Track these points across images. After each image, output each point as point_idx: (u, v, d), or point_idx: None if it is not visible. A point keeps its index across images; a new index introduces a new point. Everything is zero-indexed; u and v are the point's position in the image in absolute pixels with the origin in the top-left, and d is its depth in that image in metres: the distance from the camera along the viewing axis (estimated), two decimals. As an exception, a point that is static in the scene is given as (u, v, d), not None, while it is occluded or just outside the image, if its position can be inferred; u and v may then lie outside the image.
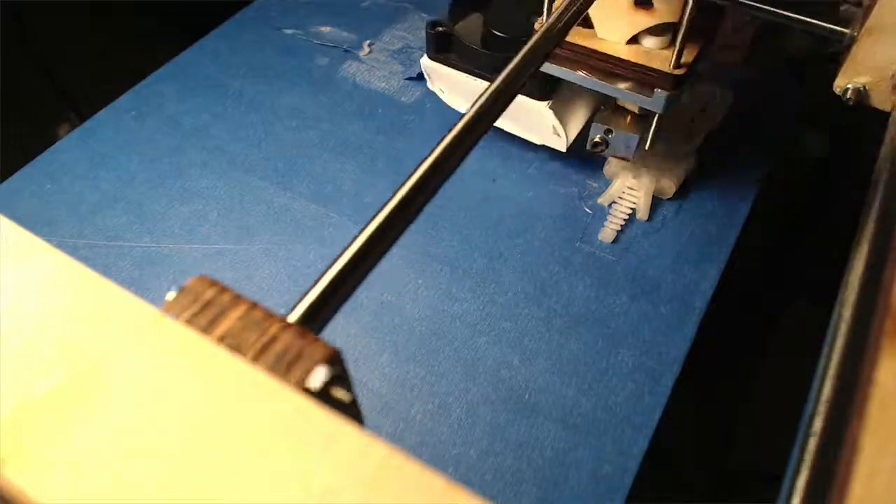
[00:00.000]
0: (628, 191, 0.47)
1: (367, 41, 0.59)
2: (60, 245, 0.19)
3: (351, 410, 0.18)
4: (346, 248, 0.22)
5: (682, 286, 0.43)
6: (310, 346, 0.18)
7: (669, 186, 0.47)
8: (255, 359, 0.17)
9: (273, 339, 0.18)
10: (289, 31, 0.61)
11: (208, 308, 0.18)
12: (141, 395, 0.16)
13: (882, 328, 0.19)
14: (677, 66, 0.37)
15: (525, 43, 0.28)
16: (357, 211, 0.47)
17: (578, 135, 0.46)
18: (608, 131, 0.43)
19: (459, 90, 0.49)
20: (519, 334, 0.41)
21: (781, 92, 0.54)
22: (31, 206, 0.48)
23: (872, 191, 0.25)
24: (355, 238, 0.22)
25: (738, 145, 0.51)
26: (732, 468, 0.51)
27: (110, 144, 0.52)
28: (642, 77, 0.38)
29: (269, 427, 0.15)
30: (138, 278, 0.44)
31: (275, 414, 0.16)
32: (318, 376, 0.17)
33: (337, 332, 0.41)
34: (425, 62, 0.48)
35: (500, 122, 0.49)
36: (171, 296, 0.18)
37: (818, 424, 0.18)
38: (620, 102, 0.42)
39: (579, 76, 0.39)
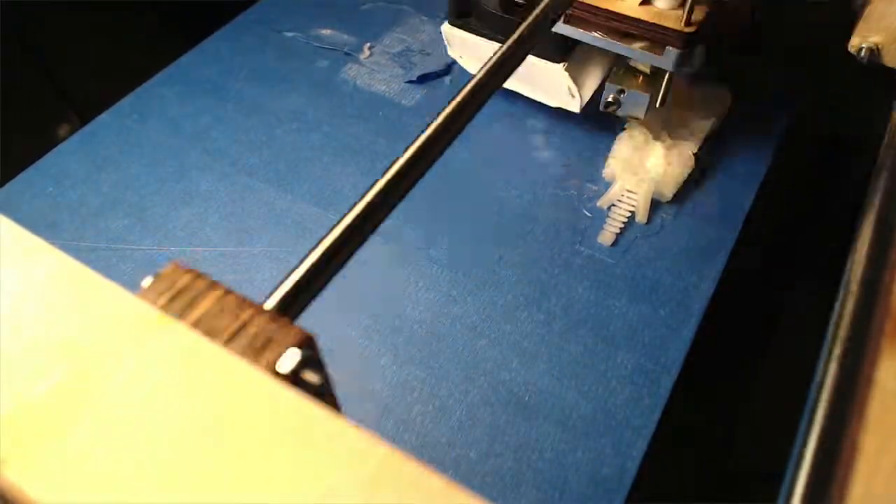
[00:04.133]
0: (627, 194, 0.47)
1: (368, 44, 0.60)
2: (62, 248, 0.19)
3: (324, 394, 0.18)
4: (326, 234, 0.21)
5: (680, 288, 0.43)
6: (281, 330, 0.18)
7: (668, 189, 0.47)
8: (228, 343, 0.17)
9: (245, 324, 0.18)
10: (289, 34, 0.61)
11: (183, 294, 0.18)
12: (140, 395, 0.16)
13: (882, 329, 0.19)
14: (688, 23, 0.39)
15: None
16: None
17: (592, 96, 0.48)
18: (620, 91, 0.45)
19: (479, 56, 0.50)
20: (519, 337, 0.41)
21: (781, 92, 0.55)
22: (32, 209, 0.48)
23: (872, 191, 0.25)
24: (336, 224, 0.22)
25: (738, 146, 0.51)
26: (732, 468, 0.51)
27: (112, 147, 0.52)
28: (655, 36, 0.40)
29: (269, 427, 0.15)
30: (140, 281, 0.44)
31: (276, 414, 0.16)
32: (288, 360, 0.17)
33: (336, 334, 0.41)
34: (445, 28, 0.49)
35: (516, 85, 0.50)
36: (146, 282, 0.18)
37: (818, 424, 0.18)
38: (633, 63, 0.44)
39: (594, 37, 0.42)
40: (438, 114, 0.24)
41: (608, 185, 0.48)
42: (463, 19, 0.47)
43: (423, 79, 0.57)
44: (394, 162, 0.22)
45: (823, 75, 0.53)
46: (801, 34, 0.53)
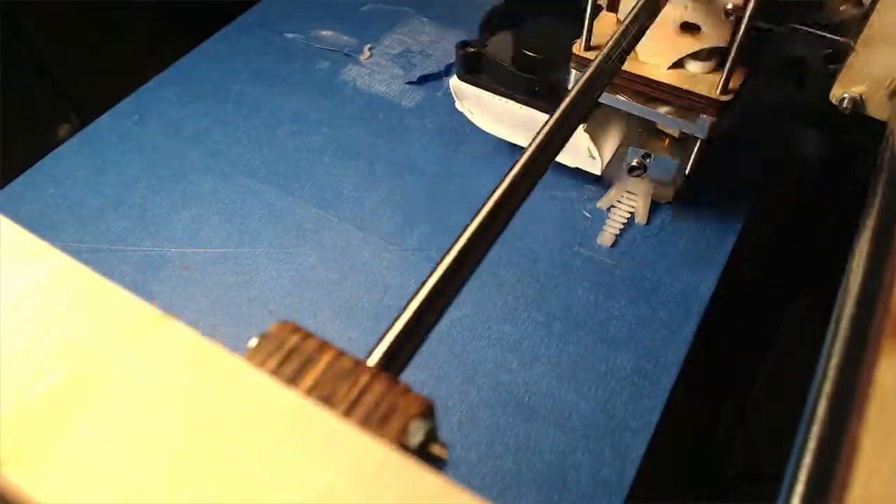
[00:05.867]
0: (627, 195, 0.47)
1: (368, 45, 0.60)
2: (63, 249, 0.19)
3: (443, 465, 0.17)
4: (419, 288, 0.21)
5: (680, 290, 0.43)
6: (402, 398, 0.17)
7: (668, 190, 0.47)
8: (347, 413, 0.16)
9: (363, 391, 0.17)
10: (290, 36, 0.61)
11: (293, 357, 0.17)
12: (140, 395, 0.16)
13: (882, 328, 0.19)
14: (724, 91, 0.36)
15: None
16: (358, 215, 0.47)
17: (612, 157, 0.45)
18: (646, 155, 0.42)
19: (489, 111, 0.48)
20: (518, 338, 0.41)
21: (781, 92, 0.55)
22: (33, 210, 0.48)
23: (872, 191, 0.25)
24: (427, 278, 0.21)
25: (737, 147, 0.51)
26: (732, 468, 0.51)
27: (112, 149, 0.52)
28: (686, 102, 0.37)
29: (269, 427, 0.15)
30: (140, 282, 0.44)
31: (275, 413, 0.16)
32: (418, 434, 0.16)
33: (337, 336, 0.41)
34: (454, 83, 0.47)
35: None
36: (252, 343, 0.18)
37: (818, 424, 0.18)
38: (660, 126, 0.42)
39: (620, 100, 0.39)
40: (491, 195, 0.24)
41: (607, 186, 0.48)
42: (473, 74, 0.46)
43: (423, 80, 0.57)
44: (463, 231, 0.22)
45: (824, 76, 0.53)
46: (800, 38, 0.53)
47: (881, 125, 0.31)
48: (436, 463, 0.17)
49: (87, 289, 0.18)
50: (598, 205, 0.47)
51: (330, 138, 0.53)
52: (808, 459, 0.17)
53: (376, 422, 0.16)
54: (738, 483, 0.51)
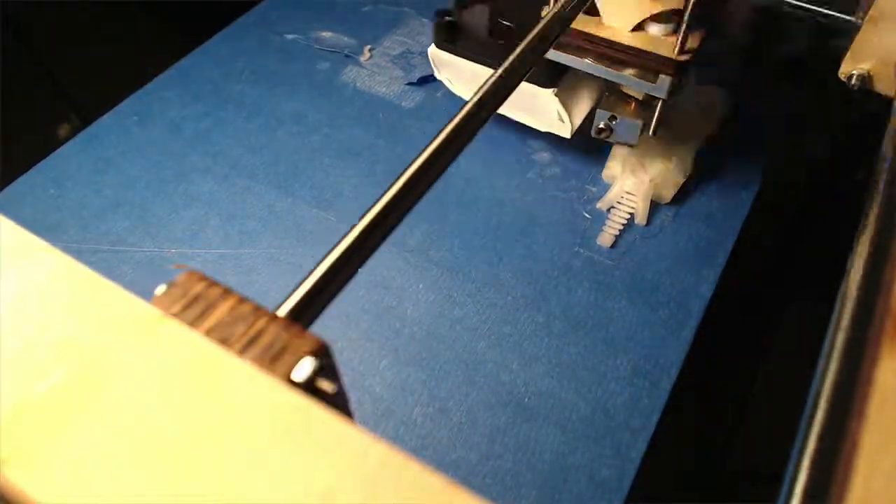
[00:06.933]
0: (627, 195, 0.47)
1: (368, 46, 0.60)
2: (63, 250, 0.19)
3: (339, 402, 0.18)
4: (338, 242, 0.22)
5: (680, 290, 0.43)
6: (296, 338, 0.18)
7: (668, 191, 0.47)
8: (242, 352, 0.17)
9: (260, 333, 0.18)
10: (290, 36, 0.61)
11: (197, 302, 0.18)
12: (140, 395, 0.16)
13: (882, 328, 0.19)
14: (682, 52, 0.38)
15: (531, 30, 0.27)
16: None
17: (583, 121, 0.46)
18: (612, 118, 0.43)
19: (466, 79, 0.49)
20: (518, 338, 0.41)
21: (781, 92, 0.55)
22: (34, 210, 0.48)
23: (872, 191, 0.25)
24: (347, 232, 0.22)
25: (738, 147, 0.51)
26: (732, 468, 0.51)
27: (113, 149, 0.52)
28: (647, 63, 0.39)
29: (269, 427, 0.15)
30: (141, 283, 0.44)
31: (275, 413, 0.16)
32: (304, 368, 0.17)
33: (338, 336, 0.41)
34: (432, 51, 0.48)
35: (505, 110, 0.49)
36: (160, 290, 0.18)
37: (818, 424, 0.18)
38: (625, 89, 0.43)
39: (585, 63, 0.40)
40: (429, 143, 0.24)
41: (608, 186, 0.48)
42: (450, 43, 0.47)
43: (423, 81, 0.57)
44: (394, 182, 0.23)
45: (823, 79, 0.53)
46: (800, 41, 0.53)
47: (880, 124, 0.31)
48: (323, 397, 0.17)
49: (87, 289, 0.18)
50: (598, 205, 0.47)
51: (330, 139, 0.53)
52: (808, 459, 0.17)
53: (269, 359, 0.17)
54: (738, 483, 0.51)
